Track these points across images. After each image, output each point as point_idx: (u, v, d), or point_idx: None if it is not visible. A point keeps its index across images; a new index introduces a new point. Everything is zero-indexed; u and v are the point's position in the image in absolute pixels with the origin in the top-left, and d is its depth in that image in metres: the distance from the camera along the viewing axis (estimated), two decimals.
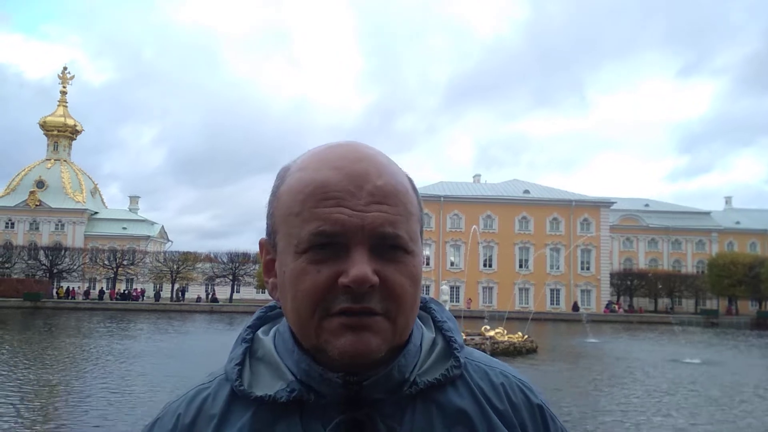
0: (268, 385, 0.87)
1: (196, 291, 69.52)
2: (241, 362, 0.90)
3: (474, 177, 76.22)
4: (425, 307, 0.99)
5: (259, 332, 0.96)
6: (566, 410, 13.79)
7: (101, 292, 61.02)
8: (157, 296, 61.42)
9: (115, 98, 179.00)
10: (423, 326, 0.96)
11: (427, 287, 64.36)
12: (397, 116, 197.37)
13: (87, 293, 62.53)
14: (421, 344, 0.93)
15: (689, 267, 78.31)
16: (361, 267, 0.79)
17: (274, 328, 0.96)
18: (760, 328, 52.55)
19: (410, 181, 0.97)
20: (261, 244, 0.95)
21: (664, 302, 68.45)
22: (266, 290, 0.86)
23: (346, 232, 0.81)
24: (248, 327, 0.97)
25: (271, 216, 0.91)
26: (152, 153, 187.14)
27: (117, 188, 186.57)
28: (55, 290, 60.53)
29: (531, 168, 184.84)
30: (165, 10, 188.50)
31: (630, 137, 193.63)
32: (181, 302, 60.11)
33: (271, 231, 0.90)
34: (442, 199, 65.28)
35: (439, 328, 0.96)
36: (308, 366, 0.85)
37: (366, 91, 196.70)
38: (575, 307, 62.20)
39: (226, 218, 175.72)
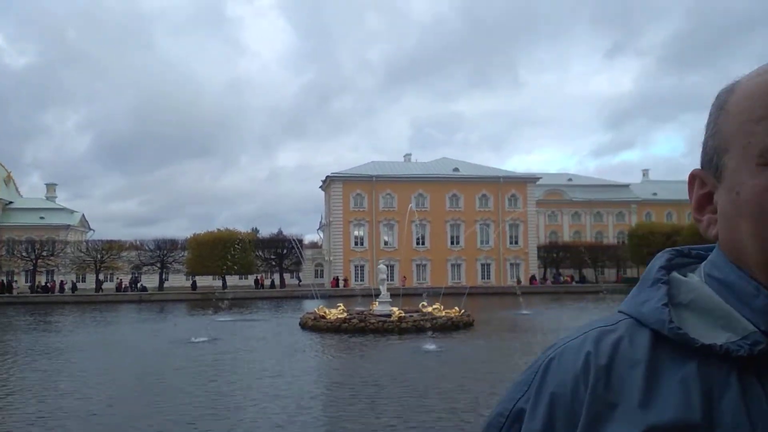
0: (706, 335, 0.73)
1: (125, 281, 67.02)
2: (666, 304, 0.76)
3: (405, 156, 76.60)
4: None
5: (675, 274, 0.82)
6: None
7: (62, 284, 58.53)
8: (73, 288, 58.53)
9: (37, 82, 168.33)
10: None
11: (362, 267, 64.59)
12: (333, 97, 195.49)
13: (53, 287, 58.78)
14: None
15: (611, 238, 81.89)
16: None
17: (697, 271, 0.82)
18: None
19: None
20: (693, 176, 0.82)
21: (587, 273, 71.23)
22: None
23: None
24: (661, 267, 0.82)
25: (714, 135, 0.77)
26: (77, 139, 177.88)
27: (39, 177, 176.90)
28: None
29: (463, 146, 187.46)
30: None
31: (559, 115, 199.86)
32: (107, 293, 57.81)
33: (715, 153, 0.77)
34: (374, 178, 65.34)
35: None
36: None
37: (302, 72, 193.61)
38: (518, 282, 63.34)
39: (154, 204, 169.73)
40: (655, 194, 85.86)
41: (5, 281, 59.18)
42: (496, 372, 15.37)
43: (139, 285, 60.34)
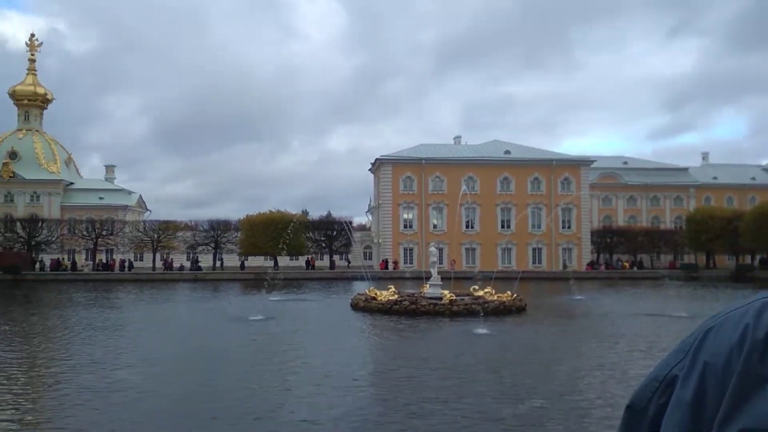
0: None
1: (178, 260, 68.91)
2: None
3: (455, 139, 75.83)
4: None
5: None
6: (567, 366, 13.94)
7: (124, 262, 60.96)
8: (130, 266, 60.53)
9: (98, 68, 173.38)
10: None
11: (411, 250, 64.64)
12: (384, 80, 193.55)
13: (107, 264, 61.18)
14: None
15: (667, 223, 79.40)
16: None
17: None
18: (740, 280, 53.80)
19: None
20: None
21: (642, 258, 69.31)
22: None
23: None
24: None
25: None
26: (135, 122, 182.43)
27: (99, 159, 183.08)
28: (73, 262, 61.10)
29: (514, 129, 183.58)
30: None
31: (615, 97, 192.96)
32: (164, 272, 59.64)
33: None
34: (423, 161, 65.03)
35: None
36: None
37: (353, 55, 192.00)
38: (565, 266, 62.89)
39: (209, 186, 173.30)
40: (715, 178, 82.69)
41: (69, 259, 61.79)
42: (549, 356, 15.18)
43: (197, 264, 62.03)
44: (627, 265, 65.87)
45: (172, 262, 62.72)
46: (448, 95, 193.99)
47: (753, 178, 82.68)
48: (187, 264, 63.76)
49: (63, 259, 62.10)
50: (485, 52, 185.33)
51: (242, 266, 62.91)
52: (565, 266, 62.91)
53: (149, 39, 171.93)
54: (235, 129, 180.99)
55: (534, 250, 65.91)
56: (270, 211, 63.61)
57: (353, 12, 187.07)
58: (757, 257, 67.95)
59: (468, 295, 28.36)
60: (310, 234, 64.25)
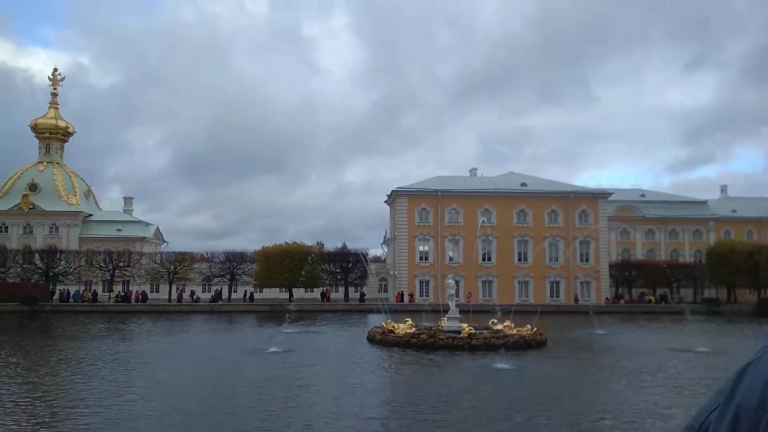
0: None
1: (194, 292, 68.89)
2: None
3: (470, 171, 75.83)
4: None
5: None
6: (596, 402, 13.51)
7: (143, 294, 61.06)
8: (144, 297, 60.45)
9: (120, 101, 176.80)
10: None
11: (427, 282, 64.13)
12: (402, 113, 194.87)
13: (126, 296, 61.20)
14: None
15: (686, 256, 78.30)
16: None
17: None
18: (763, 315, 52.55)
19: None
20: None
21: (661, 292, 68.14)
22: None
23: None
24: None
25: None
26: (155, 155, 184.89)
27: (118, 191, 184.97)
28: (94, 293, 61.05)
29: (531, 161, 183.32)
30: (171, 10, 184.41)
31: (632, 129, 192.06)
32: (179, 303, 59.61)
33: None
34: (439, 193, 64.95)
35: None
36: None
37: (371, 89, 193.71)
38: (576, 300, 62.28)
39: (226, 218, 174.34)
40: (734, 211, 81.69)
41: (89, 291, 61.98)
42: (573, 391, 14.73)
43: (221, 297, 61.99)
44: (653, 299, 64.83)
45: (182, 293, 62.76)
46: (466, 128, 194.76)
47: None
48: (205, 296, 63.72)
49: (84, 290, 62.22)
50: (502, 84, 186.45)
51: (251, 298, 62.51)
52: (576, 300, 62.24)
53: (172, 73, 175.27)
54: (254, 162, 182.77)
55: (551, 283, 65.12)
56: (286, 242, 63.62)
57: (373, 46, 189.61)
58: None
59: (487, 328, 27.89)
60: (326, 266, 64.08)
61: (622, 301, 64.74)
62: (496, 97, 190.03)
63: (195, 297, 62.51)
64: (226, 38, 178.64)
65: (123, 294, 61.94)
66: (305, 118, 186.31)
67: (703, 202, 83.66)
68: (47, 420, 11.86)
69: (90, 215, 79.92)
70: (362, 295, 66.66)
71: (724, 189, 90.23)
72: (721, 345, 25.31)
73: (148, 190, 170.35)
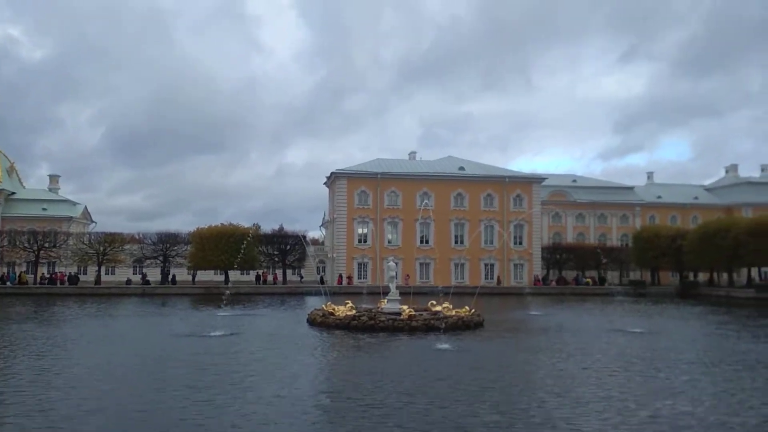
0: None
1: (124, 273, 66.79)
2: None
3: (410, 154, 76.14)
4: None
5: None
6: (539, 379, 13.83)
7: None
8: (74, 279, 57.92)
9: (52, 75, 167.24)
10: None
11: (365, 265, 64.29)
12: (345, 95, 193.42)
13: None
14: None
15: (614, 240, 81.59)
16: None
17: None
18: (686, 297, 55.45)
19: None
20: None
21: (591, 274, 70.69)
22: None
23: None
24: None
25: None
26: (89, 132, 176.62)
27: (48, 168, 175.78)
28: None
29: (471, 147, 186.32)
30: None
31: (568, 117, 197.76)
32: (110, 285, 57.56)
33: None
34: (379, 176, 65.00)
35: None
36: None
37: (316, 70, 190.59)
38: (498, 282, 64.51)
39: (161, 198, 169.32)
40: (659, 197, 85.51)
41: (6, 273, 58.96)
42: (516, 371, 15.08)
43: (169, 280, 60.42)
44: (590, 281, 67.26)
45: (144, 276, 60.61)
46: (409, 111, 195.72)
47: (696, 198, 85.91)
48: (135, 278, 61.72)
49: (22, 272, 59.15)
50: (447, 70, 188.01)
51: (193, 279, 61.16)
52: (498, 282, 64.37)
53: (110, 47, 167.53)
54: (193, 141, 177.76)
55: (486, 265, 66.55)
56: (222, 224, 62.24)
57: (318, 27, 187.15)
58: (700, 275, 70.48)
59: (426, 310, 28.25)
60: (263, 248, 63.18)
61: (553, 282, 66.92)
62: (440, 82, 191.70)
63: (128, 280, 60.53)
64: (170, 12, 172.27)
65: (49, 276, 59.32)
66: (247, 98, 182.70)
67: (631, 188, 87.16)
68: None
69: (13, 193, 75.79)
70: (302, 277, 66.12)
71: (650, 176, 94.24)
72: (651, 325, 26.48)
73: (79, 169, 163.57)
